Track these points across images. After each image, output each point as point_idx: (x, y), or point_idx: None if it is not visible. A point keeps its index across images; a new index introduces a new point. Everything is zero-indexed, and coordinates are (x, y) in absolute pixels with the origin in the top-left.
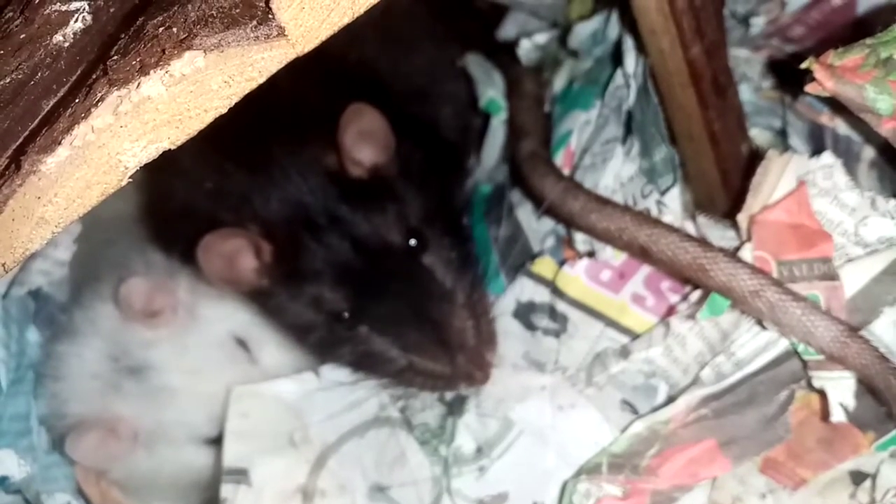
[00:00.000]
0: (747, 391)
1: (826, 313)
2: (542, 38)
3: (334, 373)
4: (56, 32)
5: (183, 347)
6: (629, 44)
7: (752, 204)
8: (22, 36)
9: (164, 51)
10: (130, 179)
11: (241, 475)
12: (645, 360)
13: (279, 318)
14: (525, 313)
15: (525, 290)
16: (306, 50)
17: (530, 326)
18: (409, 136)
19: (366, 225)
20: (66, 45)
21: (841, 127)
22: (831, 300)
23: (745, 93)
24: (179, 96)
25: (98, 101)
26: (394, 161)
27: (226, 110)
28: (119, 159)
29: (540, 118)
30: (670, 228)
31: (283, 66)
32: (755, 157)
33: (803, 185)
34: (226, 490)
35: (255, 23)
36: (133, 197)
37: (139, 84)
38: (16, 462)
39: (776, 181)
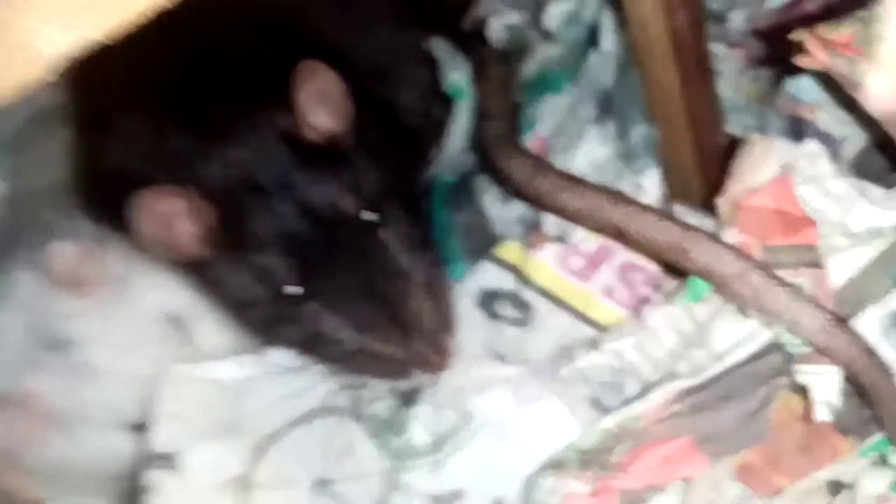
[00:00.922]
0: (726, 386)
1: (814, 301)
2: (513, 17)
3: (278, 356)
4: None
5: (110, 321)
6: (607, 21)
7: (734, 188)
8: None
9: None
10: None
11: (169, 461)
12: (615, 354)
13: (219, 292)
14: (488, 301)
15: (488, 276)
16: None
17: (493, 315)
18: (368, 113)
19: (319, 192)
20: None
21: (822, 120)
22: (817, 289)
23: (722, 90)
24: None
25: None
26: (351, 132)
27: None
28: (36, 45)
29: (507, 102)
30: (648, 208)
31: None
32: (732, 148)
33: (788, 170)
34: (151, 477)
35: None
36: (62, 163)
37: None
38: None
39: (759, 166)
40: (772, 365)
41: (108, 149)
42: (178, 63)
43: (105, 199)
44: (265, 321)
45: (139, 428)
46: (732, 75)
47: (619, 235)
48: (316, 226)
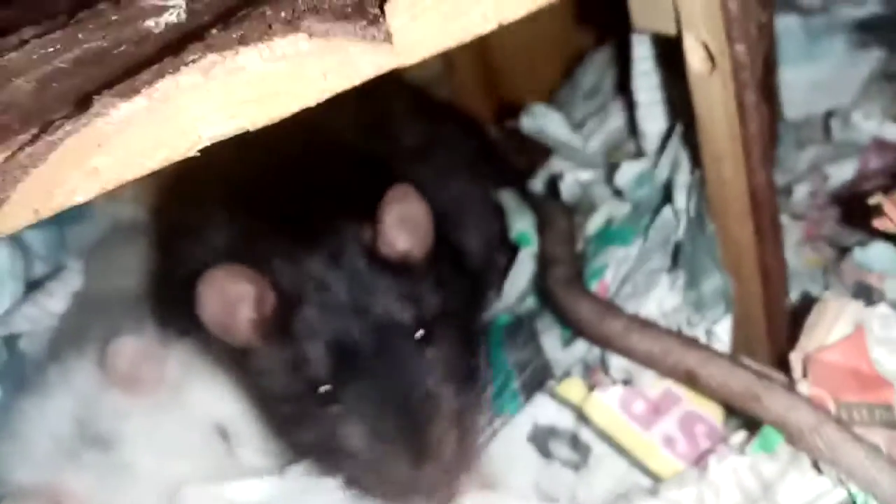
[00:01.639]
0: None
1: (892, 461)
2: (586, 175)
3: (297, 476)
4: (147, 19)
5: (158, 424)
6: (681, 180)
7: (806, 344)
8: (113, 17)
9: (270, 26)
10: (198, 153)
11: None
12: None
13: (257, 382)
14: (542, 438)
15: (545, 412)
16: (407, 62)
17: (546, 454)
18: (439, 248)
19: (380, 298)
20: (156, 31)
21: (892, 289)
22: (893, 450)
23: (787, 258)
24: (273, 75)
25: (190, 60)
26: (425, 259)
27: (313, 103)
28: (196, 125)
29: (572, 251)
30: (721, 354)
31: (381, 72)
32: (797, 313)
33: (861, 329)
34: None
35: (364, 22)
36: (136, 270)
37: (237, 52)
38: None
39: (832, 324)
40: None
41: (190, 252)
42: (271, 178)
43: (177, 299)
44: (290, 418)
45: None
46: (795, 245)
47: (691, 380)
48: (367, 330)
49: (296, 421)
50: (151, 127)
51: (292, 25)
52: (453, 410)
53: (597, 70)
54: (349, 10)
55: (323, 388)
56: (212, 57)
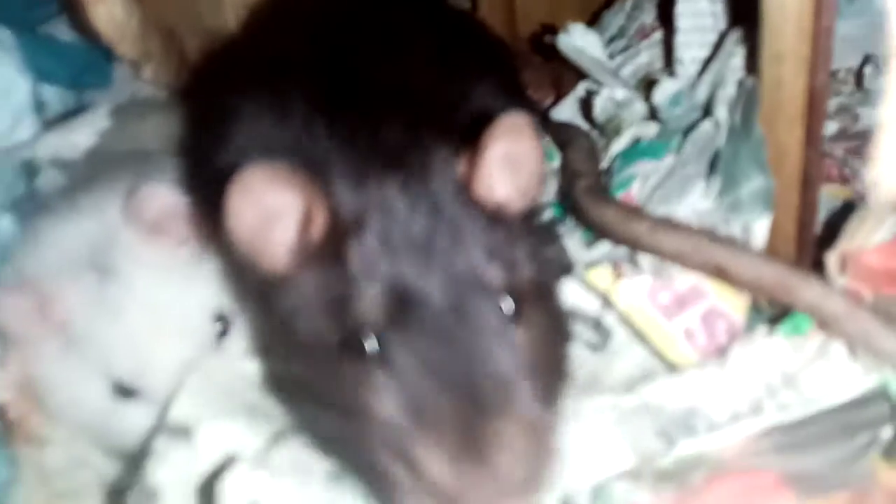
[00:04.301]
0: (818, 429)
1: None
2: (621, 93)
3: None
4: None
5: (164, 282)
6: (724, 95)
7: (844, 246)
8: None
9: None
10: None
11: (182, 433)
12: (690, 394)
13: (283, 319)
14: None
15: (572, 295)
16: None
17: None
18: None
19: (466, 252)
20: None
21: None
22: None
23: None
24: None
25: None
26: (522, 214)
27: None
28: None
29: (596, 166)
30: (752, 249)
31: None
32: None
33: None
34: (160, 443)
35: None
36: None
37: None
38: None
39: (872, 230)
40: (875, 413)
41: (221, 143)
42: (337, 66)
43: (202, 201)
44: (315, 371)
45: (121, 393)
46: None
47: (720, 273)
48: (441, 283)
49: (321, 375)
50: None
51: None
52: (530, 415)
53: (623, 15)
54: None
55: (368, 340)
56: None
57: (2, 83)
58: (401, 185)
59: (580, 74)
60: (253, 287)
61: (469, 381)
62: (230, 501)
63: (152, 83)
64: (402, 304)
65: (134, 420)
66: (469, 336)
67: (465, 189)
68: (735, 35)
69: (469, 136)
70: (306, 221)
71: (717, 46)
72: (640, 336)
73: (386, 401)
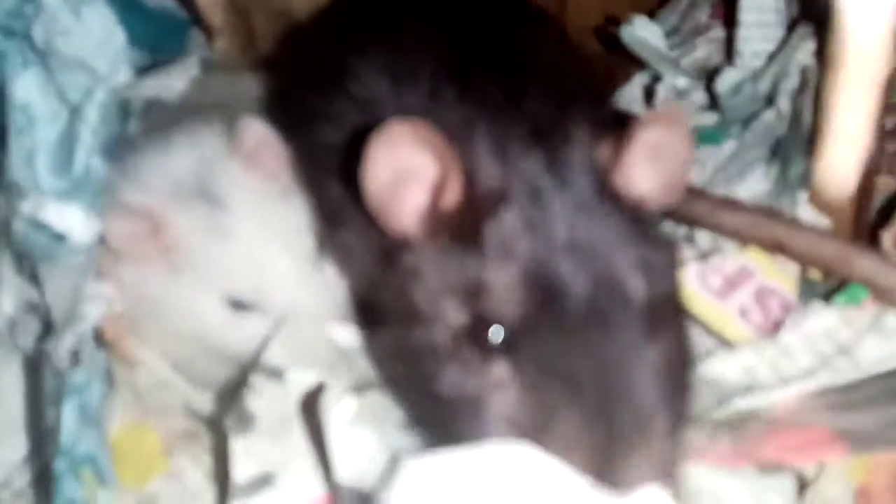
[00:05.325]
0: (871, 390)
1: None
2: (683, 81)
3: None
4: None
5: (267, 205)
6: (787, 86)
7: None
8: None
9: None
10: None
11: (276, 373)
12: (745, 369)
13: (400, 288)
14: None
15: None
16: None
17: None
18: None
19: (610, 258)
20: None
21: None
22: None
23: None
24: None
25: None
26: (660, 213)
27: None
28: None
29: None
30: (811, 226)
31: None
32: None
33: None
34: (256, 380)
35: None
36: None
37: None
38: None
39: None
40: None
41: (340, 103)
42: (473, 30)
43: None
44: (427, 354)
45: (237, 306)
46: None
47: (779, 247)
48: (584, 280)
49: (433, 360)
50: None
51: None
52: (664, 454)
53: (678, 13)
54: None
55: (496, 331)
56: None
57: (102, 31)
58: (544, 163)
59: (633, 67)
60: (375, 243)
61: (604, 402)
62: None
63: (224, 54)
64: (540, 299)
65: (251, 330)
66: (607, 349)
67: (606, 178)
68: (802, 30)
69: (602, 122)
70: (442, 187)
71: (782, 41)
72: (695, 318)
73: (507, 399)
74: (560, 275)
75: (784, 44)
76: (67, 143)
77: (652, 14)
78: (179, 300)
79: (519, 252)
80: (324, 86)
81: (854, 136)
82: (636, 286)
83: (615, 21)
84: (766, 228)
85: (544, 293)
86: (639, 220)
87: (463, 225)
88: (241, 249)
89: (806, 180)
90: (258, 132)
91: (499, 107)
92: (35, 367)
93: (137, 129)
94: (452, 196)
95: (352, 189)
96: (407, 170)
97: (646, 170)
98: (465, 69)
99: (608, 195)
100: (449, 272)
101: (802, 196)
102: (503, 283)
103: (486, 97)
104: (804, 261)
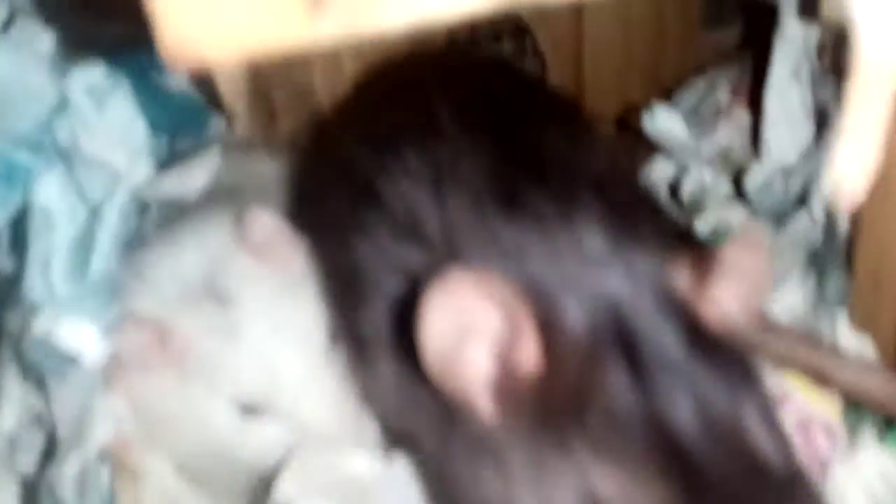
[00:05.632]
0: None
1: None
2: (708, 175)
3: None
4: None
5: (278, 300)
6: (820, 187)
7: None
8: None
9: None
10: None
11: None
12: None
13: (468, 469)
14: None
15: None
16: None
17: None
18: None
19: (718, 391)
20: None
21: None
22: None
23: None
24: None
25: None
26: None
27: None
28: None
29: None
30: (852, 356)
31: None
32: None
33: None
34: None
35: None
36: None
37: None
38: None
39: None
40: None
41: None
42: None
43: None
44: None
45: (249, 412)
46: None
47: (821, 379)
48: (721, 467)
49: None
50: None
51: None
52: None
53: (697, 93)
54: None
55: None
56: None
57: (123, 124)
58: (627, 301)
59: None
60: (428, 399)
61: None
62: None
63: (244, 134)
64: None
65: (263, 437)
66: None
67: (693, 307)
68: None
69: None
70: (514, 348)
71: (814, 137)
72: None
73: None
74: (691, 449)
75: (816, 141)
76: (84, 246)
77: (670, 94)
78: (189, 408)
79: (632, 428)
80: (354, 191)
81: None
82: (757, 426)
83: (634, 108)
84: (806, 357)
85: (681, 478)
86: (742, 356)
87: (548, 398)
88: (249, 348)
89: (844, 296)
90: (267, 223)
91: (554, 227)
92: (33, 493)
93: (151, 228)
94: (528, 360)
95: (394, 324)
96: (471, 328)
97: (729, 295)
98: (511, 179)
99: (702, 329)
100: (541, 466)
101: (842, 314)
102: (623, 480)
103: (539, 215)
104: (850, 396)
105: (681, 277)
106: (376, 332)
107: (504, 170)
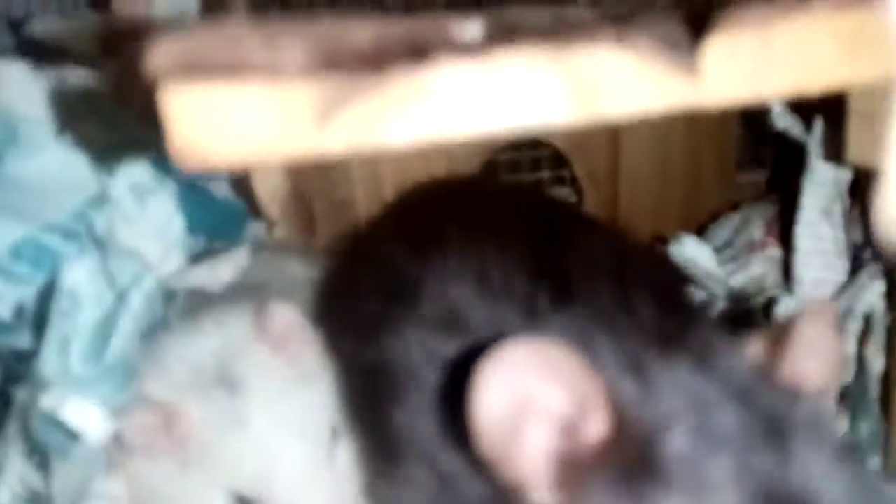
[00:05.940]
0: None
1: None
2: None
3: None
4: None
5: (287, 393)
6: (852, 327)
7: None
8: None
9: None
10: None
11: None
12: None
13: None
14: None
15: None
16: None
17: None
18: None
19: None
20: None
21: None
22: None
23: None
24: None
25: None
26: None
27: None
28: None
29: None
30: None
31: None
32: None
33: None
34: None
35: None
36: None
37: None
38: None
39: None
40: None
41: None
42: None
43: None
44: None
45: (241, 502)
46: None
47: None
48: None
49: None
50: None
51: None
52: None
53: (731, 228)
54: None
55: None
56: None
57: (162, 219)
58: (698, 375)
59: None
60: (473, 489)
61: None
62: None
63: (282, 241)
64: None
65: None
66: None
67: (766, 378)
68: (871, 269)
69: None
70: (580, 422)
71: (849, 274)
72: None
73: None
74: None
75: (851, 279)
76: (106, 328)
77: (703, 230)
78: (187, 495)
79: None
80: (389, 290)
81: None
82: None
83: (663, 240)
84: None
85: None
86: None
87: (618, 471)
88: (252, 438)
89: (878, 443)
90: (287, 317)
91: (614, 318)
92: None
93: (174, 316)
94: (596, 432)
95: (435, 417)
96: (531, 403)
97: (804, 369)
98: (562, 280)
99: (778, 395)
100: None
101: (875, 462)
102: None
103: (596, 309)
104: None
105: (755, 353)
106: (410, 431)
107: (551, 272)
